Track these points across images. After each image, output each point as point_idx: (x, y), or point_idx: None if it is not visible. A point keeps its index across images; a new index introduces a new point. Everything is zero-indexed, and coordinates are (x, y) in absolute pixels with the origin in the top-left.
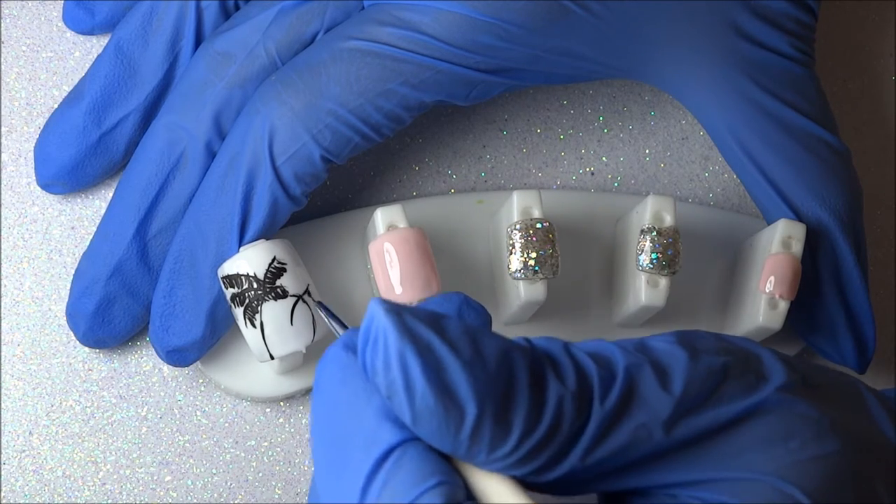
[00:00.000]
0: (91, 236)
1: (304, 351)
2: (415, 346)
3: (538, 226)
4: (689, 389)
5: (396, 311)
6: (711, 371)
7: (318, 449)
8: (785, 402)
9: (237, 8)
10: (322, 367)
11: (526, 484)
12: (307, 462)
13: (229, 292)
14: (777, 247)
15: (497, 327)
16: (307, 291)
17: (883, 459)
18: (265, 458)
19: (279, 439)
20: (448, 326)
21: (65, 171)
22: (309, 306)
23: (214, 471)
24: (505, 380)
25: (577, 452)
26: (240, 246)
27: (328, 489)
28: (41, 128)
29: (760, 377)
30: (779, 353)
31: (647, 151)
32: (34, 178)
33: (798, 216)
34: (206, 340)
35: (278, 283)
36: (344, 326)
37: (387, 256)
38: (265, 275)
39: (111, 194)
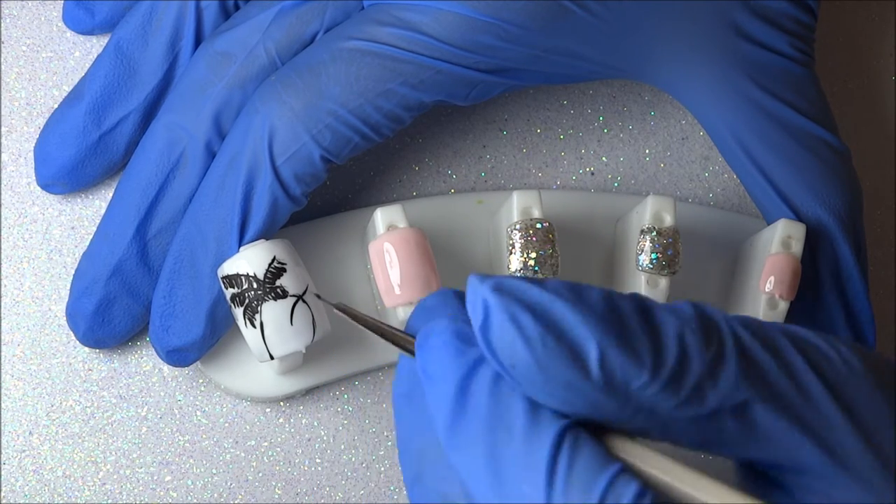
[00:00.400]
0: (91, 236)
1: (304, 351)
2: (521, 305)
3: (538, 226)
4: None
5: (495, 282)
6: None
7: (457, 444)
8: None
9: (237, 8)
10: (431, 357)
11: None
12: (307, 462)
13: (229, 292)
14: (777, 247)
15: None
16: (307, 291)
17: None
18: (265, 458)
19: (279, 439)
20: (546, 283)
21: (65, 171)
22: (310, 306)
23: (214, 471)
24: (616, 316)
25: (727, 376)
26: (240, 246)
27: (488, 484)
28: (41, 128)
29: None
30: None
31: (647, 151)
32: (34, 178)
33: (798, 216)
34: (206, 340)
35: (278, 283)
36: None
37: (387, 256)
38: (265, 275)
39: (111, 194)
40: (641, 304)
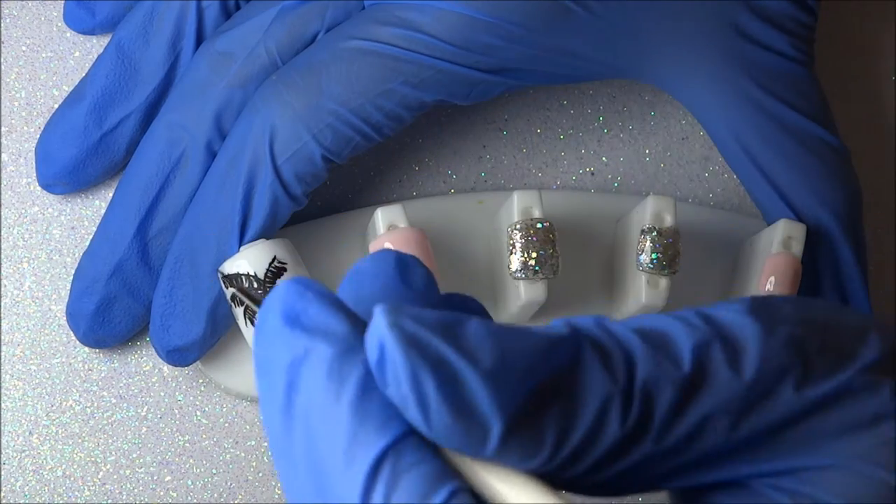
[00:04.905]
0: (91, 236)
1: None
2: (425, 361)
3: (538, 226)
4: (764, 370)
5: (400, 322)
6: (788, 345)
7: (283, 463)
8: (871, 384)
9: (238, 7)
10: (262, 352)
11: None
12: None
13: (229, 292)
14: (777, 247)
15: None
16: None
17: None
18: (265, 458)
19: None
20: (466, 332)
21: (66, 172)
22: None
23: (214, 471)
24: (535, 384)
25: (641, 450)
26: (240, 245)
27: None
28: (41, 128)
29: (846, 353)
30: (874, 317)
31: (647, 151)
32: (34, 178)
33: (798, 216)
34: (207, 340)
35: (279, 282)
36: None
37: None
38: (265, 274)
39: (111, 194)
40: (575, 360)
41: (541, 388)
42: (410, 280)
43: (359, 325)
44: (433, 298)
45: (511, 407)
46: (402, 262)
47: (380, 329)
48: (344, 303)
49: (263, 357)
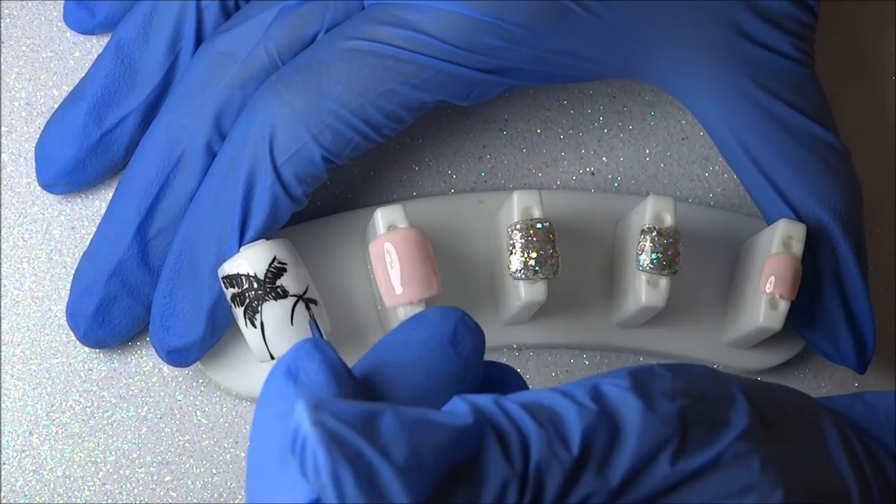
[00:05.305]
0: (91, 236)
1: None
2: (343, 457)
3: (538, 226)
4: (644, 448)
5: (321, 419)
6: (666, 422)
7: (252, 471)
8: (741, 456)
9: (237, 8)
10: (264, 392)
11: None
12: None
13: (229, 292)
14: (777, 247)
15: (497, 328)
16: (307, 291)
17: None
18: None
19: None
20: (381, 427)
21: (66, 171)
22: (310, 307)
23: (214, 471)
24: (443, 473)
25: None
26: (240, 246)
27: None
28: (41, 128)
29: (719, 424)
30: (741, 383)
31: (647, 151)
32: (34, 178)
33: (798, 216)
34: (207, 340)
35: (278, 283)
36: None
37: (387, 256)
38: (265, 275)
39: (111, 194)
40: (479, 447)
41: (448, 475)
42: (460, 345)
43: (344, 391)
44: (474, 366)
45: (422, 496)
46: (461, 325)
47: (303, 426)
48: (341, 370)
49: (263, 393)
